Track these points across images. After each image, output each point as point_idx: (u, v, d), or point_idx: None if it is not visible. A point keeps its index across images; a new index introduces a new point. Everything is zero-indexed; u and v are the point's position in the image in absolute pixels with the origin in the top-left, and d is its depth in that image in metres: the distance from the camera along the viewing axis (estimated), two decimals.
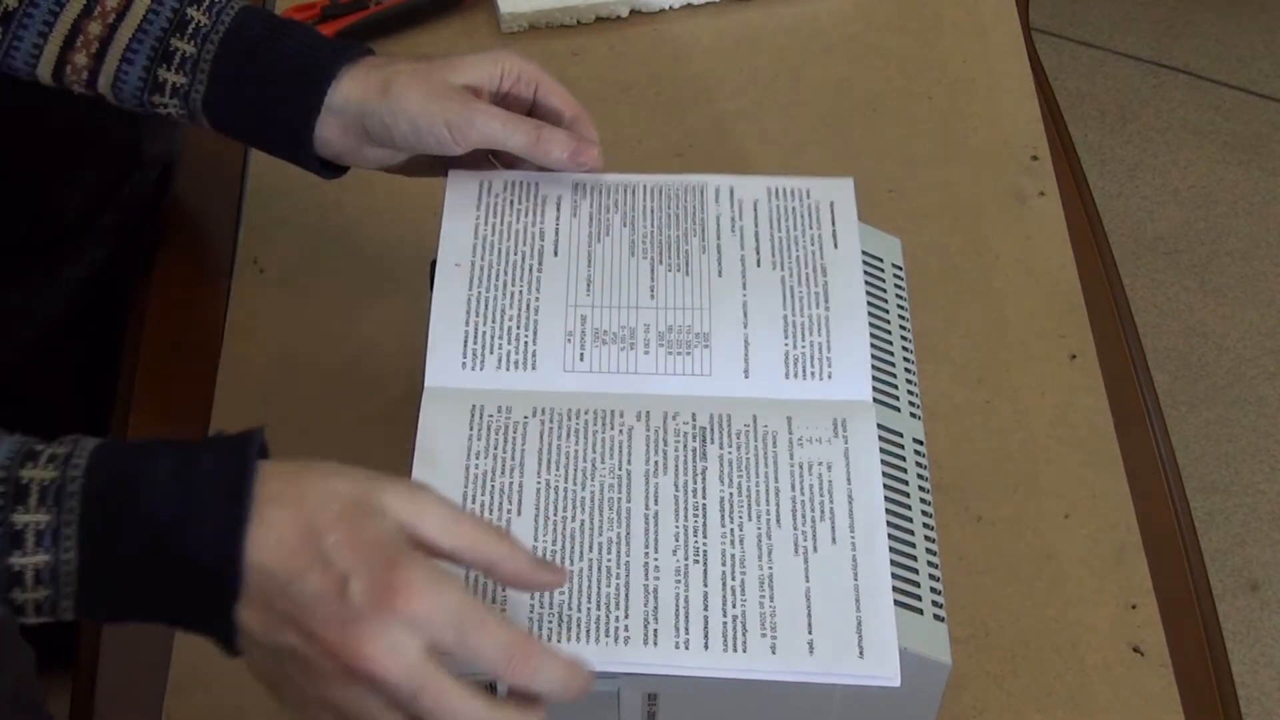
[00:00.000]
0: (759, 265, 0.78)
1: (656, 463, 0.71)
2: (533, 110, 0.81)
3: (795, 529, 0.69)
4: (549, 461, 0.71)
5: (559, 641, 0.65)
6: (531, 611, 0.66)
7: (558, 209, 0.80)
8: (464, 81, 0.79)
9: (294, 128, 0.79)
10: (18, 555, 0.59)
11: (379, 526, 0.59)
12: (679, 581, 0.67)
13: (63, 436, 0.61)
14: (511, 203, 0.80)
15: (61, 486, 0.59)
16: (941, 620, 0.69)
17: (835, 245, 0.79)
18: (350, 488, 0.60)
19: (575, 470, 0.71)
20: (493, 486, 0.70)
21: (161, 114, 0.82)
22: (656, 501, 0.70)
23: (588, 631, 0.66)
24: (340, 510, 0.59)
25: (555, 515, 0.69)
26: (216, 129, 0.82)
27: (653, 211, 0.80)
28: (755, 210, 0.80)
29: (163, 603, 0.61)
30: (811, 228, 0.79)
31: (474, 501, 0.69)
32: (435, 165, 0.82)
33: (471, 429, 0.72)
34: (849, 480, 0.71)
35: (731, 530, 0.69)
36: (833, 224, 0.79)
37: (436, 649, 0.59)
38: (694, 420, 0.72)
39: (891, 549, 0.69)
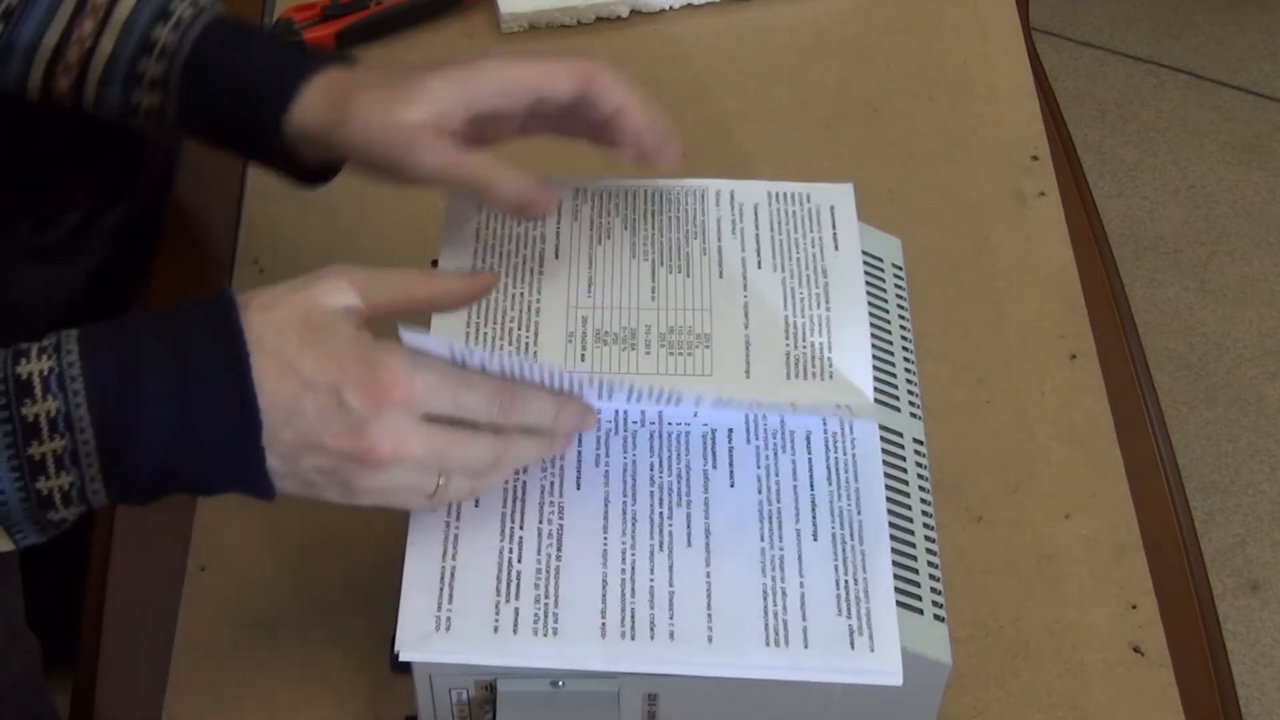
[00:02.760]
0: (759, 267, 0.78)
1: (655, 461, 0.71)
2: (604, 123, 0.77)
3: (796, 529, 0.69)
4: (550, 466, 0.71)
5: (559, 636, 0.66)
6: (537, 604, 0.66)
7: (559, 212, 0.80)
8: (422, 113, 0.75)
9: (264, 155, 0.81)
10: (35, 445, 0.62)
11: (336, 334, 0.64)
12: (679, 581, 0.67)
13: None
14: None
15: (61, 373, 0.63)
16: (941, 620, 0.69)
17: (836, 248, 0.79)
18: (290, 314, 0.64)
19: (576, 470, 0.71)
20: (494, 498, 0.70)
21: (150, 128, 0.83)
22: (661, 503, 0.70)
23: (588, 629, 0.66)
24: (298, 338, 0.64)
25: (558, 519, 0.69)
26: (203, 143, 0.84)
27: (653, 214, 0.80)
28: (755, 214, 0.80)
29: (188, 468, 0.64)
30: (812, 230, 0.79)
31: (478, 505, 0.70)
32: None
33: None
34: (850, 480, 0.71)
35: (734, 543, 0.69)
36: (833, 227, 0.80)
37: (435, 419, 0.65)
38: (695, 426, 0.73)
39: (892, 549, 0.69)
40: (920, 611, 0.69)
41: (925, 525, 0.72)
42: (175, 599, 0.85)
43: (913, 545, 0.71)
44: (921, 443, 0.76)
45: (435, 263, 0.78)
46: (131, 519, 0.89)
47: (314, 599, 0.85)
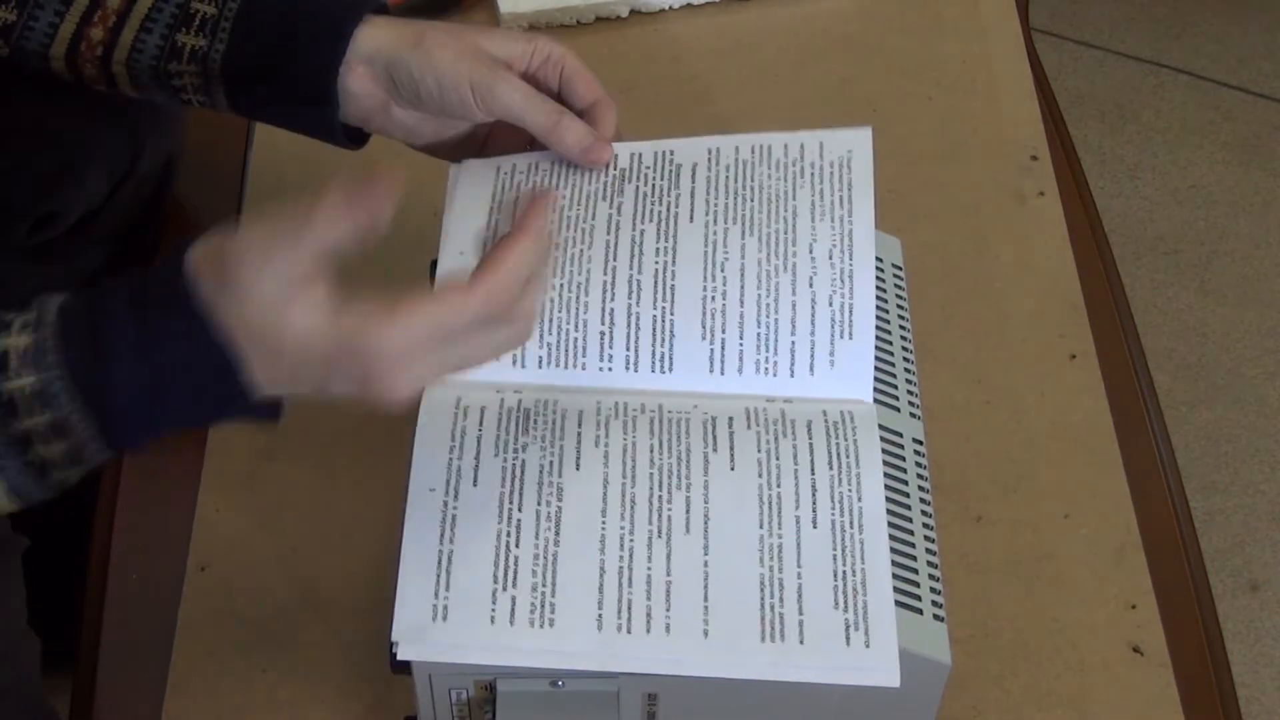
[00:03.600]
0: (769, 258, 0.77)
1: (655, 444, 0.71)
2: (559, 96, 0.81)
3: (796, 515, 0.69)
4: (549, 446, 0.71)
5: (555, 629, 0.65)
6: (534, 593, 0.66)
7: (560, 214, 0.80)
8: (496, 52, 0.78)
9: (320, 72, 0.78)
10: (16, 420, 0.62)
11: (307, 319, 0.62)
12: (676, 571, 0.67)
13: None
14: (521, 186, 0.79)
15: (40, 347, 0.62)
16: (941, 620, 0.69)
17: (849, 250, 0.78)
18: (257, 310, 0.62)
19: (575, 451, 0.71)
20: (493, 477, 0.70)
21: (174, 89, 0.81)
22: (661, 485, 0.70)
23: (585, 621, 0.66)
24: (262, 328, 0.62)
25: (556, 502, 0.69)
26: (231, 100, 0.80)
27: (663, 194, 0.79)
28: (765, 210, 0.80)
29: (169, 395, 0.63)
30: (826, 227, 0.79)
31: (476, 484, 0.70)
32: (461, 147, 0.81)
33: (469, 420, 0.72)
34: (851, 465, 0.71)
35: (732, 530, 0.69)
36: (850, 228, 0.79)
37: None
38: (695, 415, 0.72)
39: (891, 549, 0.69)
40: (920, 611, 0.69)
41: (925, 525, 0.72)
42: (175, 599, 0.85)
43: (912, 545, 0.71)
44: (921, 443, 0.76)
45: (434, 263, 0.78)
46: (132, 519, 0.90)
47: (314, 599, 0.85)
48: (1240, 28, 2.22)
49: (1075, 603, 0.86)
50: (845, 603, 0.66)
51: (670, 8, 1.15)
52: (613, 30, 1.14)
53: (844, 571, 0.67)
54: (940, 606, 0.70)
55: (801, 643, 0.65)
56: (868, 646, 0.65)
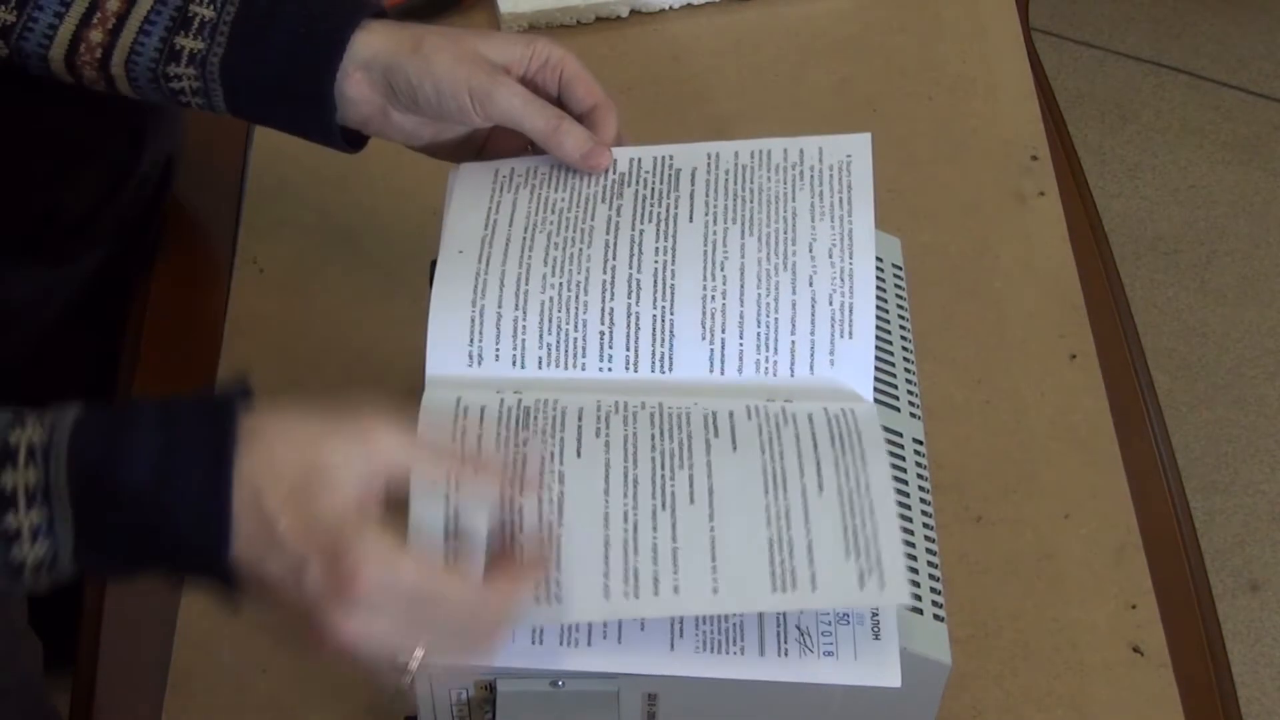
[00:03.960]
0: (769, 258, 0.77)
1: (656, 433, 0.71)
2: (559, 99, 0.81)
3: (802, 483, 0.68)
4: (550, 437, 0.70)
5: (562, 604, 0.65)
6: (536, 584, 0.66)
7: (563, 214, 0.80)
8: (495, 56, 0.78)
9: (317, 80, 0.78)
10: (12, 514, 0.59)
11: (330, 499, 0.60)
12: (682, 538, 0.67)
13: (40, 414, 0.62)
14: (520, 188, 0.79)
15: (49, 446, 0.60)
16: (941, 620, 0.69)
17: (848, 250, 0.78)
18: (298, 457, 0.61)
19: (576, 441, 0.70)
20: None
21: (172, 92, 0.80)
22: (663, 466, 0.69)
23: (591, 592, 0.65)
24: (289, 488, 0.60)
25: (558, 486, 0.69)
26: (230, 103, 0.80)
27: (662, 196, 0.79)
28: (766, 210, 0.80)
29: (156, 565, 0.62)
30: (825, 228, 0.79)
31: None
32: (461, 149, 0.82)
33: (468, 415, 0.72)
34: (854, 444, 0.70)
35: (738, 497, 0.68)
36: (850, 228, 0.79)
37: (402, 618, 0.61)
38: (696, 410, 0.72)
39: None
40: (920, 611, 0.69)
41: (925, 525, 0.72)
42: (175, 599, 0.85)
43: (912, 545, 0.71)
44: (921, 443, 0.76)
45: (434, 263, 0.78)
46: None
47: None
48: (1240, 28, 2.22)
49: (1075, 603, 0.86)
50: (856, 552, 0.65)
51: (670, 8, 1.15)
52: (613, 30, 1.14)
53: (855, 526, 0.66)
54: (940, 606, 0.70)
55: (813, 590, 0.64)
56: (870, 650, 0.65)
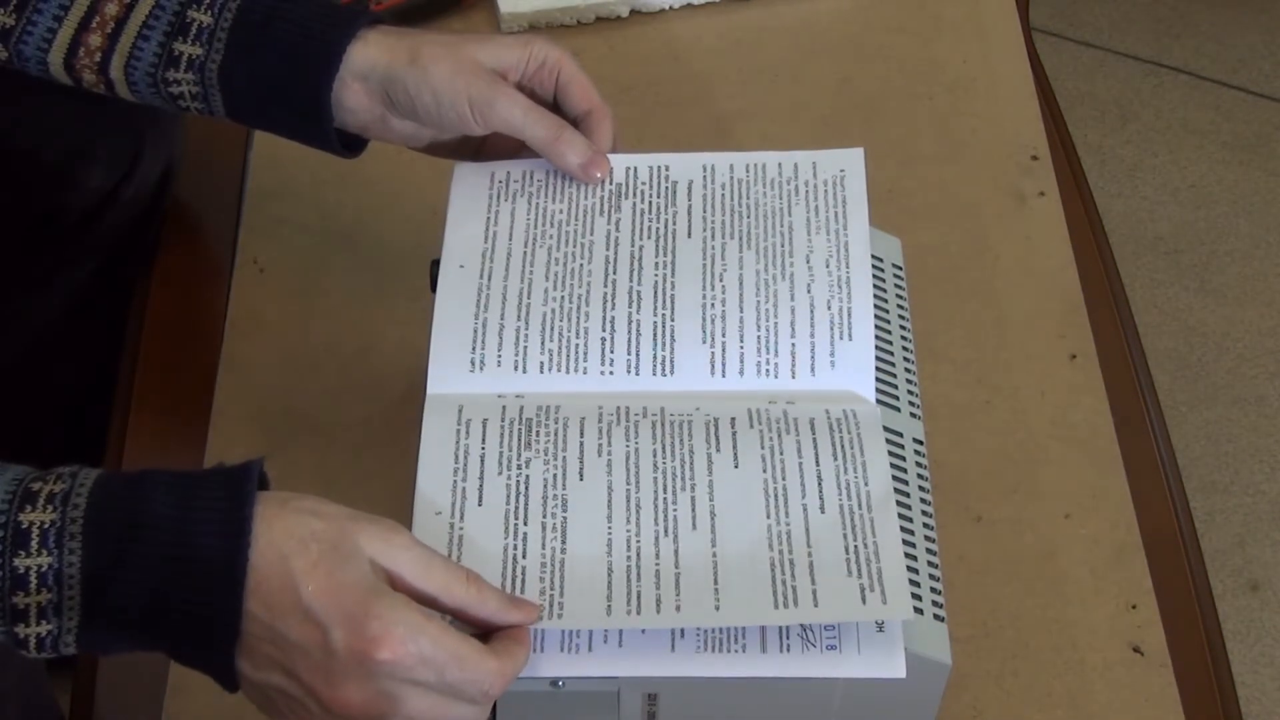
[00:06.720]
0: (766, 269, 0.77)
1: (658, 448, 0.71)
2: (554, 101, 0.81)
3: (803, 504, 0.69)
4: (552, 459, 0.71)
5: (564, 619, 0.65)
6: (541, 597, 0.66)
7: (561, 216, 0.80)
8: (492, 63, 0.78)
9: (313, 90, 0.78)
10: (21, 595, 0.60)
11: (355, 570, 0.61)
12: (685, 563, 0.67)
13: (60, 469, 0.62)
14: (517, 197, 0.79)
15: (62, 529, 0.60)
16: (941, 620, 0.69)
17: (845, 260, 0.78)
18: (326, 528, 0.61)
19: (579, 461, 0.71)
20: (498, 497, 0.70)
21: (173, 96, 0.80)
22: (665, 488, 0.70)
23: (594, 612, 0.66)
24: (317, 555, 0.61)
25: (561, 513, 0.69)
26: (230, 108, 0.80)
27: (660, 212, 0.80)
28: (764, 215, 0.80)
29: (161, 642, 0.62)
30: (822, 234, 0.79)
31: (481, 504, 0.69)
32: (461, 147, 0.81)
33: (471, 434, 0.72)
34: (856, 455, 0.70)
35: (740, 522, 0.69)
36: (846, 240, 0.79)
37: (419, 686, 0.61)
38: (698, 417, 0.72)
39: None
40: (920, 611, 0.69)
41: (925, 525, 0.72)
42: None
43: (912, 545, 0.71)
44: (921, 443, 0.76)
45: (435, 262, 0.78)
46: None
47: None
48: (1240, 28, 2.22)
49: (1075, 603, 0.86)
50: (858, 570, 0.66)
51: (670, 8, 1.15)
52: (613, 30, 1.14)
53: (855, 546, 0.67)
54: (940, 606, 0.70)
55: (815, 605, 0.65)
56: (875, 643, 0.65)
